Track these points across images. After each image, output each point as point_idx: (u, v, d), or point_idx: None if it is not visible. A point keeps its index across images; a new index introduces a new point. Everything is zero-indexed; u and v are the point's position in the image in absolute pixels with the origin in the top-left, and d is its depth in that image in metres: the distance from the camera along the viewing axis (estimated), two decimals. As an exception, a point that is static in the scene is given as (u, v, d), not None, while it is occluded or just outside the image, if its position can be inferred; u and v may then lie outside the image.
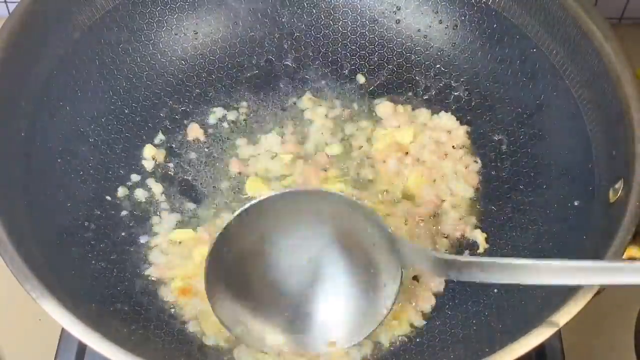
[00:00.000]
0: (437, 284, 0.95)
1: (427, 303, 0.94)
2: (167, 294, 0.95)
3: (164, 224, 1.01)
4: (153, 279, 0.96)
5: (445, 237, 1.00)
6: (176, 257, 0.98)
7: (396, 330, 0.92)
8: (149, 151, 1.06)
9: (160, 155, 1.07)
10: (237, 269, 0.88)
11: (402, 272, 0.88)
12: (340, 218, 0.88)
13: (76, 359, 0.97)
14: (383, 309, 0.89)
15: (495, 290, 0.94)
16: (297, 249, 0.89)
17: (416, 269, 0.93)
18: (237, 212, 0.86)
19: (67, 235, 0.94)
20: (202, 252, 0.96)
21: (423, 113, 1.10)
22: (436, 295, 0.95)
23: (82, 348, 0.97)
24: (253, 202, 0.87)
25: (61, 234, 0.93)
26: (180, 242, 0.99)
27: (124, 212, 1.01)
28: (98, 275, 0.94)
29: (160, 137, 1.08)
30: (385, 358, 0.91)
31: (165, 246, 0.99)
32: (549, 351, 0.96)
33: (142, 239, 1.00)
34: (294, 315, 0.89)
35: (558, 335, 0.96)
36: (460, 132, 1.08)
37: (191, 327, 0.92)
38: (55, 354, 0.98)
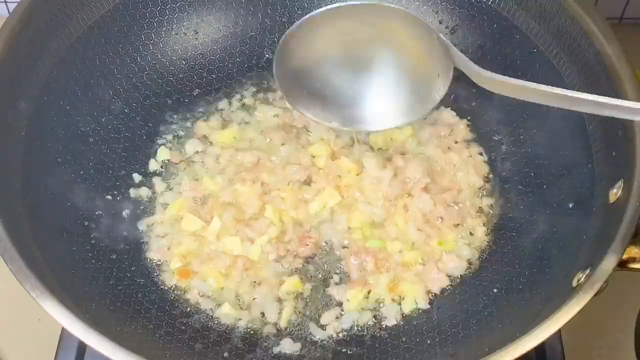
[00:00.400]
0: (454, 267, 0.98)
1: (438, 285, 0.97)
2: (168, 279, 0.97)
3: (164, 205, 1.04)
4: (155, 265, 0.98)
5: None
6: (172, 237, 1.00)
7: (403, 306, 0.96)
8: (163, 153, 1.07)
9: (163, 154, 1.07)
10: (303, 61, 0.95)
11: (453, 68, 0.92)
12: (397, 27, 0.94)
13: (76, 359, 0.97)
14: (436, 95, 0.94)
15: (495, 290, 0.95)
16: (358, 46, 0.95)
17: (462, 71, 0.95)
18: (305, 17, 0.93)
19: (67, 235, 0.94)
20: (190, 222, 1.00)
21: None
22: (450, 277, 0.98)
23: (82, 348, 0.97)
24: (318, 10, 0.93)
25: (61, 234, 0.93)
26: (175, 220, 1.02)
27: (125, 212, 1.02)
28: (98, 275, 0.94)
29: (162, 136, 1.09)
30: (384, 351, 0.92)
31: (161, 229, 1.01)
32: (549, 351, 0.96)
33: (141, 226, 1.02)
34: (353, 95, 0.96)
35: (558, 335, 0.96)
36: (461, 127, 1.08)
37: (203, 305, 0.96)
38: (55, 354, 0.97)
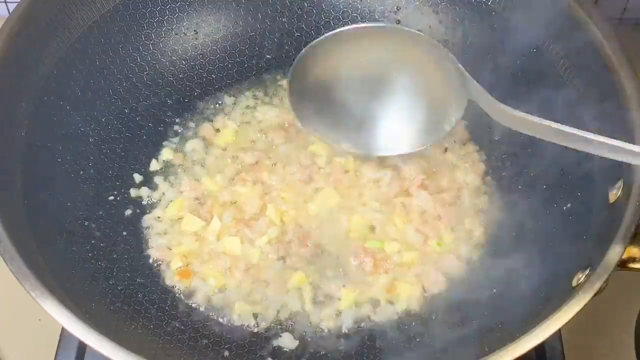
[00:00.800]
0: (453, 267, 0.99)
1: (436, 287, 0.97)
2: (168, 278, 0.98)
3: (164, 205, 1.04)
4: (155, 265, 0.99)
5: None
6: (173, 236, 1.01)
7: (396, 304, 0.96)
8: (166, 153, 1.07)
9: (166, 154, 1.08)
10: (316, 83, 0.95)
11: (467, 101, 0.91)
12: (413, 51, 0.94)
13: (76, 359, 0.97)
14: (447, 125, 0.95)
15: (495, 291, 0.95)
16: (372, 70, 0.96)
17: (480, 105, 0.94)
18: (319, 38, 0.93)
19: (67, 235, 0.94)
20: (190, 222, 1.00)
21: None
22: (449, 278, 0.98)
23: (82, 348, 0.97)
24: (334, 31, 0.94)
25: (61, 234, 0.93)
26: (175, 220, 1.02)
27: (125, 212, 1.02)
28: (98, 275, 0.94)
29: (164, 136, 1.09)
30: (383, 350, 0.92)
31: (162, 228, 1.01)
32: (549, 351, 0.96)
33: (141, 226, 1.02)
34: (364, 120, 0.97)
35: (558, 335, 0.96)
36: (459, 127, 1.08)
37: (215, 301, 0.96)
38: (55, 354, 0.97)
